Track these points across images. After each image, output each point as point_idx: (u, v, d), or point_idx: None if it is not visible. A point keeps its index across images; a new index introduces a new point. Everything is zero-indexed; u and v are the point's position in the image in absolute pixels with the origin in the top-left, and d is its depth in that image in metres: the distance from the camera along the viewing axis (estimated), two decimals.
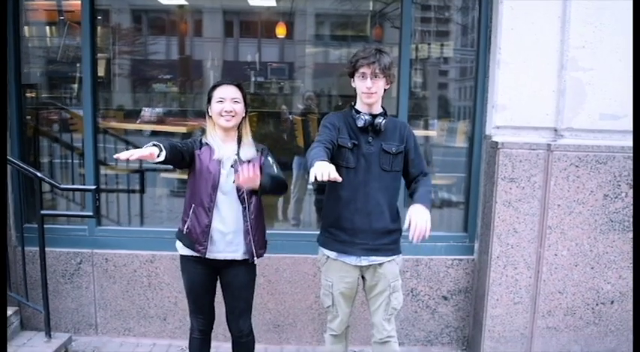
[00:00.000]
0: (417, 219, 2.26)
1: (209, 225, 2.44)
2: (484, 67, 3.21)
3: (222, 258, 2.49)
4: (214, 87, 2.51)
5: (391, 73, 2.43)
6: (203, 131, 2.59)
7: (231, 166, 2.45)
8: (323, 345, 3.00)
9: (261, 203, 2.56)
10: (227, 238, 2.47)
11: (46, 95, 3.69)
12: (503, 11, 3.02)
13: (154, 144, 2.23)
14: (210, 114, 2.51)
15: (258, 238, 2.53)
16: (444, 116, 3.67)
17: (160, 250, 3.24)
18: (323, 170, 2.02)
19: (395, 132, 2.49)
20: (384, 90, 2.49)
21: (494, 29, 3.13)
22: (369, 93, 2.40)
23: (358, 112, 2.48)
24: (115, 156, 2.11)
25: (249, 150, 2.50)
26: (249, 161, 2.45)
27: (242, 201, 2.46)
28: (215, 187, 2.43)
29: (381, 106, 2.53)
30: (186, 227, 2.49)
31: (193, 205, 2.47)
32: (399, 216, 2.58)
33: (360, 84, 2.42)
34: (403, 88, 3.24)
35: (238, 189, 2.43)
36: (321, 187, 3.74)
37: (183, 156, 2.40)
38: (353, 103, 2.55)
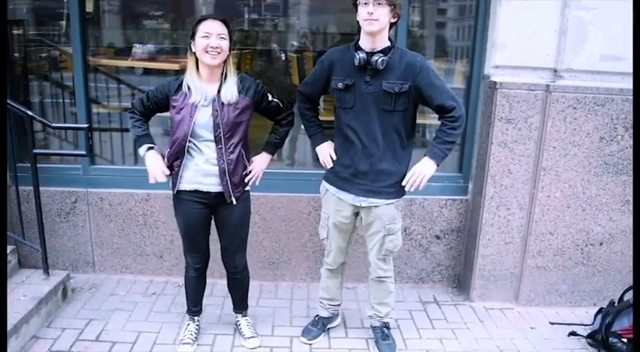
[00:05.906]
0: (417, 172, 2.42)
1: (179, 166, 2.47)
2: (485, 5, 3.11)
3: (216, 191, 2.50)
4: (199, 21, 2.38)
5: (397, 3, 2.28)
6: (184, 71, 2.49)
7: (208, 105, 2.41)
8: (317, 282, 3.06)
9: (246, 145, 2.54)
10: (217, 173, 2.47)
11: (34, 32, 3.57)
12: None
13: (150, 148, 2.51)
14: (193, 50, 2.38)
15: (235, 180, 2.50)
16: (442, 56, 3.59)
17: (155, 189, 3.21)
18: (325, 160, 2.58)
19: (400, 68, 2.34)
20: (391, 24, 2.35)
21: None
22: (371, 19, 2.24)
23: (358, 49, 2.36)
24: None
25: (231, 89, 2.40)
26: (229, 104, 2.40)
27: (218, 141, 2.42)
28: (186, 133, 2.40)
29: (390, 39, 2.39)
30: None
31: (172, 144, 2.49)
32: (406, 158, 2.52)
33: (361, 10, 2.27)
34: (401, 25, 3.15)
35: (215, 129, 2.40)
36: None
37: (157, 110, 2.56)
38: (357, 39, 2.42)
